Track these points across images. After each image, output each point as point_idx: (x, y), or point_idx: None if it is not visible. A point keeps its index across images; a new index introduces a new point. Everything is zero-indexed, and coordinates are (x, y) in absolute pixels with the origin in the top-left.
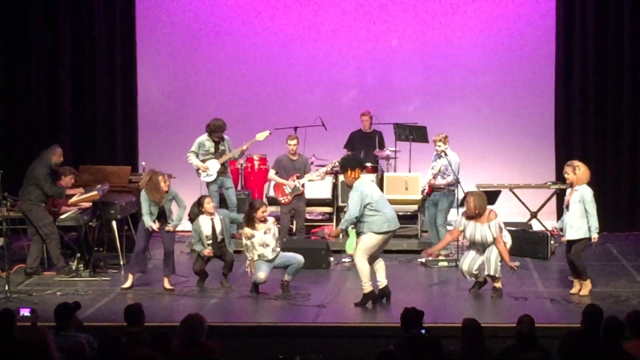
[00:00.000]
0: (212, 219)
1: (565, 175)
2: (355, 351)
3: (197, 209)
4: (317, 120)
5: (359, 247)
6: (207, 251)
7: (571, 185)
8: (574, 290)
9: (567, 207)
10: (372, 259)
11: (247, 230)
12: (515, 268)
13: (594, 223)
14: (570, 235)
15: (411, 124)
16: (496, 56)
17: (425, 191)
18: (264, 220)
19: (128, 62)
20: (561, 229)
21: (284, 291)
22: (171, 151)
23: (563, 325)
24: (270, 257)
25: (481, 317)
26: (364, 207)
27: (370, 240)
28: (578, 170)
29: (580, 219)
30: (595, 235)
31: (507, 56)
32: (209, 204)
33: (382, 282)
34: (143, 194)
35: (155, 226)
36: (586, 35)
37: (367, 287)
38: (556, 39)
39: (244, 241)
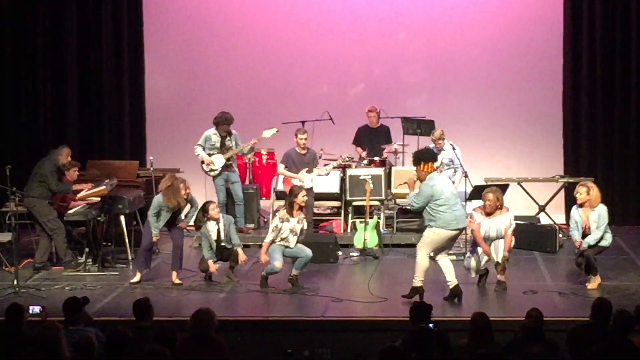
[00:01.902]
0: (217, 224)
1: (578, 195)
2: (363, 345)
3: (202, 215)
4: (324, 114)
5: (423, 241)
6: (214, 268)
7: (581, 206)
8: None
9: (583, 229)
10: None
11: (283, 213)
12: (506, 258)
13: (595, 236)
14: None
15: (419, 117)
16: (504, 50)
17: None
18: (301, 208)
19: (135, 57)
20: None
21: (294, 285)
22: (179, 146)
23: (571, 319)
24: (292, 245)
25: (489, 311)
26: (434, 202)
27: (435, 234)
28: (592, 192)
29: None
30: (585, 246)
31: (514, 50)
32: (213, 210)
33: (452, 281)
34: (157, 199)
35: (156, 238)
36: (594, 28)
37: (418, 282)
38: (564, 33)
39: (275, 222)
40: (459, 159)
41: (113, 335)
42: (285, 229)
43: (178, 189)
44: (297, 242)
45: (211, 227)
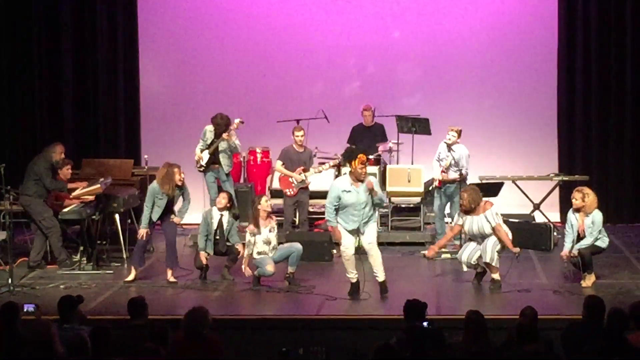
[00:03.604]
0: (221, 215)
1: (573, 201)
2: (358, 343)
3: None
4: (319, 112)
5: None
6: (204, 257)
7: (577, 211)
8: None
9: (579, 233)
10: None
11: (252, 227)
12: (517, 254)
13: (587, 242)
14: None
15: (413, 116)
16: (498, 48)
17: (436, 185)
18: (269, 215)
19: (130, 55)
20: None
21: (291, 283)
22: (174, 144)
23: (566, 317)
24: (271, 254)
25: (484, 309)
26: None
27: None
28: (587, 198)
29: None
30: (575, 252)
31: (509, 48)
32: (220, 197)
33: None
34: (152, 187)
35: (144, 231)
36: (588, 26)
37: (382, 276)
38: (558, 31)
39: (247, 237)
40: (467, 159)
41: (95, 330)
42: (258, 242)
43: (173, 173)
44: (275, 247)
45: (215, 215)
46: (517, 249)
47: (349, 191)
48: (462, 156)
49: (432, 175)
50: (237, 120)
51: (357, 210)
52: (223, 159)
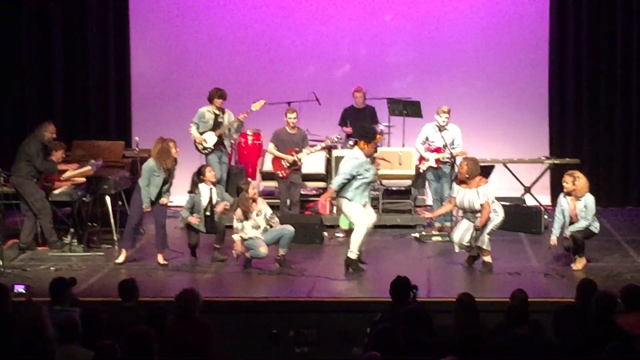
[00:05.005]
0: (210, 189)
1: (564, 184)
2: (348, 326)
3: (198, 178)
4: (310, 95)
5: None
6: (194, 219)
7: (569, 194)
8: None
9: (570, 217)
10: None
11: (239, 212)
12: (478, 227)
13: (580, 225)
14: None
15: (405, 99)
16: (490, 31)
17: (433, 166)
18: (255, 200)
19: (121, 36)
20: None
21: (282, 266)
22: (164, 126)
23: (556, 300)
24: (262, 237)
25: (475, 292)
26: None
27: None
28: (578, 181)
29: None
30: (567, 234)
31: (500, 30)
32: (210, 173)
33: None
34: (148, 165)
35: (147, 210)
36: (580, 9)
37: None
38: (550, 13)
39: (235, 223)
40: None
41: (86, 312)
42: (247, 227)
43: (169, 148)
44: (265, 229)
45: (204, 191)
46: (479, 225)
47: (369, 169)
48: (457, 135)
49: (422, 157)
50: (262, 102)
51: (370, 187)
52: (226, 137)
